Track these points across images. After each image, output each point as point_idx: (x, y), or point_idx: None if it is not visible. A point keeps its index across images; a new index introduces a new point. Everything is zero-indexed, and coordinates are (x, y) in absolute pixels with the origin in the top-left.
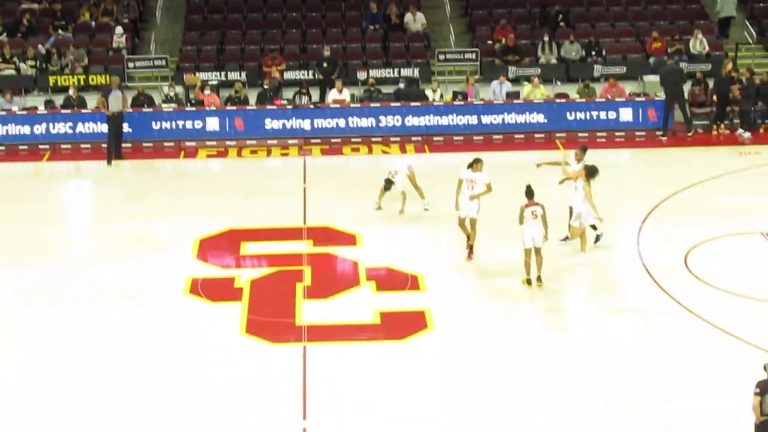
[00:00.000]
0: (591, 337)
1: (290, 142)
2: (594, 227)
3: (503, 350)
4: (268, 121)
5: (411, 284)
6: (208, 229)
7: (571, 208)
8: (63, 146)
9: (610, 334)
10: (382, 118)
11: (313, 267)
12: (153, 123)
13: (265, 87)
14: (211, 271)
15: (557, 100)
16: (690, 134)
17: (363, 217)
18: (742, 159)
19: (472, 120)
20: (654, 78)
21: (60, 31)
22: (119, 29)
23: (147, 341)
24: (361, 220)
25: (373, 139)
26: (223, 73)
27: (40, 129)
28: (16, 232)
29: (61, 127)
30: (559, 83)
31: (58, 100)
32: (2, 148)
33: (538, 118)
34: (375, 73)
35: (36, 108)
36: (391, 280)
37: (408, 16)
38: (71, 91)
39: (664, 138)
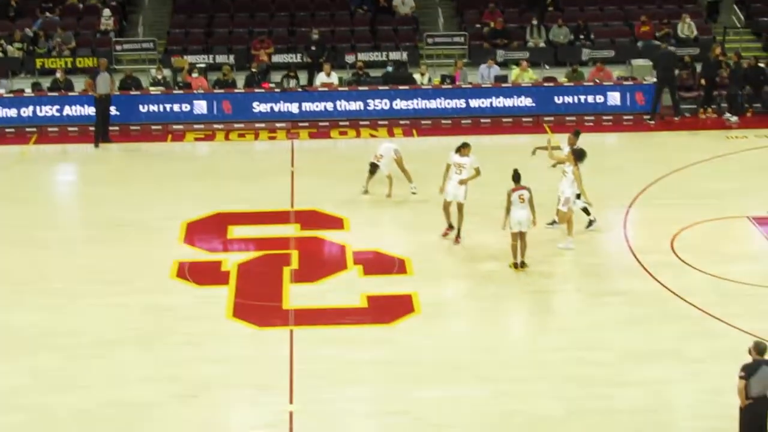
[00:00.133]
0: (577, 320)
1: (278, 125)
2: (587, 212)
3: (490, 334)
4: (255, 104)
5: (398, 268)
6: (195, 213)
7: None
8: (50, 129)
9: (596, 317)
10: (370, 101)
11: (301, 251)
12: (140, 106)
13: (253, 70)
14: (198, 255)
15: (545, 84)
16: (677, 119)
17: (350, 200)
18: (729, 143)
19: (460, 103)
20: (642, 62)
21: (47, 14)
22: (107, 12)
23: (133, 325)
24: (348, 204)
25: (361, 123)
26: (210, 56)
27: (27, 112)
28: (2, 215)
29: (48, 110)
30: (547, 67)
31: (45, 82)
32: None
33: (526, 101)
34: (363, 56)
35: (23, 91)
36: (378, 263)
37: (396, 0)
38: (58, 74)
39: (652, 122)
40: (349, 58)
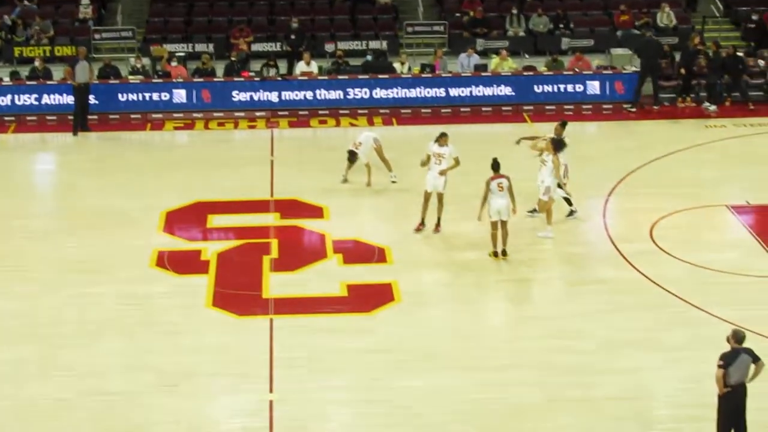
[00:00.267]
0: (557, 308)
1: (257, 114)
2: (569, 203)
3: (470, 322)
4: (235, 93)
5: (378, 257)
6: (174, 202)
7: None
8: (28, 118)
9: (576, 306)
10: (349, 90)
11: (280, 240)
12: (119, 95)
13: (233, 59)
14: (178, 244)
15: (525, 73)
16: (656, 108)
17: (330, 189)
18: (707, 132)
19: (440, 92)
20: (622, 51)
21: (25, 2)
22: (85, 0)
23: (113, 314)
24: (328, 193)
25: (341, 112)
26: (190, 45)
27: (5, 101)
28: None
29: (26, 99)
30: (527, 56)
31: (24, 71)
32: None
33: (506, 90)
34: (343, 45)
35: (1, 79)
36: (358, 252)
37: None
38: (37, 63)
39: (633, 110)
40: (329, 47)
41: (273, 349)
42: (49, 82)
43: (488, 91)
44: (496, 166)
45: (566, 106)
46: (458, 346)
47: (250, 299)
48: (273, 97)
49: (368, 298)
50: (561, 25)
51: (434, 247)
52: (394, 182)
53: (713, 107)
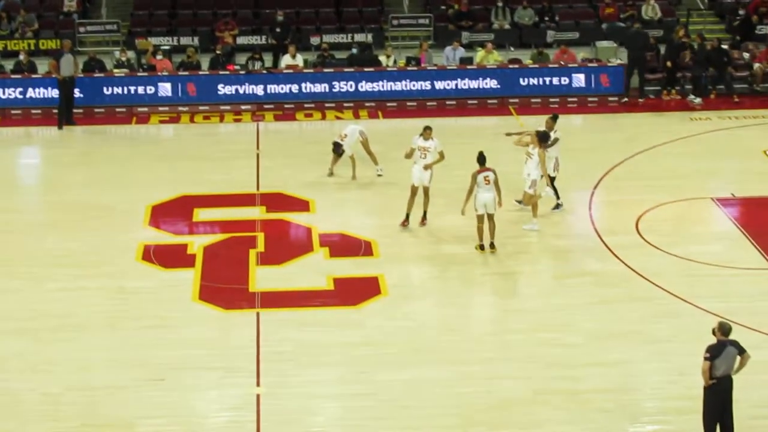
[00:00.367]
0: (543, 301)
1: (243, 107)
2: (557, 196)
3: (456, 315)
4: (220, 86)
5: (364, 250)
6: (160, 196)
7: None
8: (13, 112)
9: (561, 299)
10: (335, 83)
11: (266, 233)
12: (104, 88)
13: (218, 52)
14: (164, 238)
15: (510, 66)
16: (641, 100)
17: (316, 183)
18: (693, 124)
19: (426, 86)
20: (607, 44)
21: None
22: None
23: (99, 308)
24: (314, 186)
25: (327, 105)
26: (175, 38)
27: None
28: None
29: (11, 93)
30: (512, 49)
31: (8, 65)
32: None
33: (492, 83)
34: (328, 38)
35: None
36: (344, 246)
37: None
38: (21, 56)
39: (625, 100)
40: (314, 40)
41: (260, 343)
42: (33, 76)
43: (474, 84)
44: (482, 159)
45: (552, 99)
46: (445, 339)
47: (237, 293)
48: (258, 90)
49: (355, 291)
50: (546, 18)
51: (421, 240)
52: (380, 175)
53: (698, 100)
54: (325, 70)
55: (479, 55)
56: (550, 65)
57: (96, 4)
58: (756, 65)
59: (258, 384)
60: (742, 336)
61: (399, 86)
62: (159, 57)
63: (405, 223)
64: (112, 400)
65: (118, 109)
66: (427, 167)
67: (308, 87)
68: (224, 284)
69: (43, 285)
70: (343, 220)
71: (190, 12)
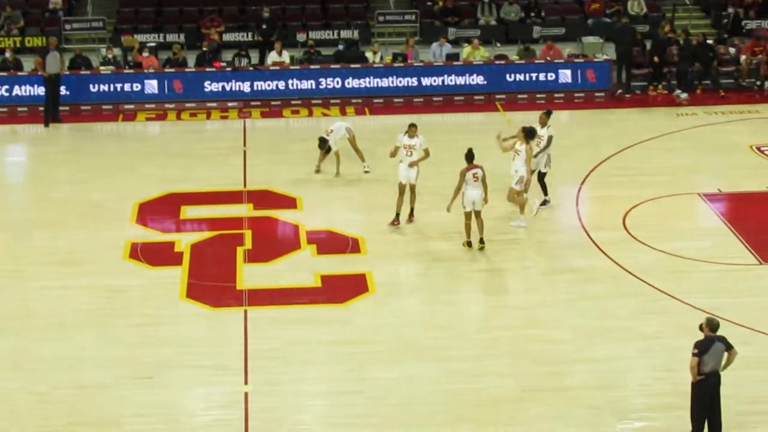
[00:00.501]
0: (530, 297)
1: (230, 104)
2: (545, 192)
3: (444, 312)
4: (207, 83)
5: (352, 247)
6: (147, 193)
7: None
8: None
9: (549, 295)
10: (322, 80)
11: (254, 230)
12: (91, 86)
13: (204, 49)
14: (151, 236)
15: (497, 62)
16: (628, 96)
17: (303, 180)
18: (679, 120)
19: (412, 82)
20: (593, 39)
21: None
22: None
23: (86, 306)
24: (301, 184)
25: (313, 102)
26: (161, 35)
27: None
28: None
29: None
30: (498, 44)
31: None
32: None
33: (478, 79)
34: (314, 34)
35: None
36: (331, 243)
37: None
38: (7, 54)
39: (627, 96)
40: (301, 37)
41: (247, 341)
42: (19, 74)
43: (460, 80)
44: (470, 156)
45: (538, 95)
46: (432, 336)
47: (225, 290)
48: (245, 87)
49: (342, 288)
50: (532, 14)
51: (408, 237)
52: (367, 172)
53: (684, 95)
54: (312, 66)
55: (465, 51)
56: (537, 61)
57: (82, 2)
58: (742, 57)
59: (246, 382)
60: (730, 332)
61: (385, 83)
62: (145, 54)
63: (395, 222)
64: (100, 398)
65: (104, 107)
66: (412, 165)
67: (295, 84)
68: (212, 282)
69: (29, 283)
70: (330, 217)
71: (176, 9)
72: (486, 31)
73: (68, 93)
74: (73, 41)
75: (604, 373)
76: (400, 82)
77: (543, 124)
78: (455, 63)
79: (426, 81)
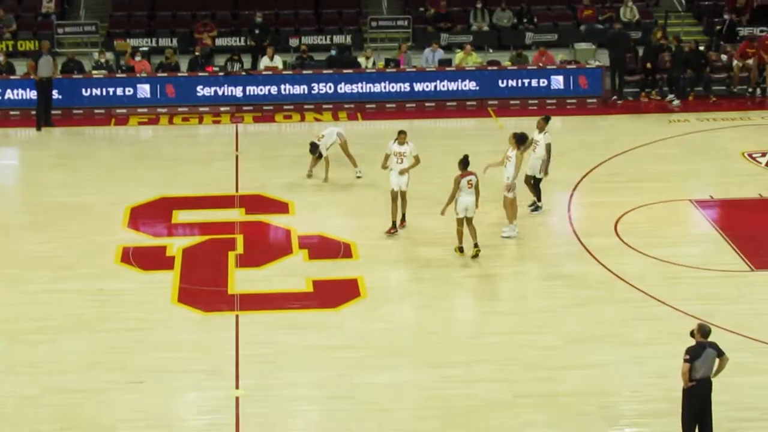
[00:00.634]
0: (522, 303)
1: (222, 109)
2: (538, 198)
3: (436, 318)
4: (199, 88)
5: (344, 252)
6: (139, 197)
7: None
8: None
9: (540, 301)
10: (314, 85)
11: (246, 235)
12: (83, 90)
13: (197, 54)
14: (143, 240)
15: (489, 68)
16: (620, 102)
17: (295, 185)
18: (671, 126)
19: (405, 87)
20: (585, 45)
21: None
22: None
23: (78, 310)
24: (293, 188)
25: (306, 107)
26: (153, 40)
27: None
28: None
29: None
30: (491, 50)
31: None
32: None
33: (471, 85)
34: (307, 40)
35: None
36: (323, 248)
37: None
38: (0, 57)
39: (619, 102)
40: (293, 42)
41: (239, 346)
42: (12, 77)
43: (453, 86)
44: (466, 163)
45: (530, 101)
46: (424, 341)
47: (216, 295)
48: (237, 92)
49: (334, 293)
50: (525, 20)
51: (400, 242)
52: (359, 177)
53: (676, 101)
54: (304, 71)
55: (458, 56)
56: (529, 67)
57: (74, 6)
58: (734, 62)
59: (237, 386)
60: (721, 338)
61: (378, 88)
62: (138, 58)
63: (392, 230)
64: (91, 402)
65: (96, 111)
66: (402, 172)
67: (287, 89)
68: (203, 286)
69: (21, 287)
70: (322, 222)
71: (169, 13)
72: (478, 37)
73: (61, 97)
74: (66, 45)
75: (595, 379)
76: (393, 87)
77: (540, 129)
78: (448, 69)
79: (418, 86)
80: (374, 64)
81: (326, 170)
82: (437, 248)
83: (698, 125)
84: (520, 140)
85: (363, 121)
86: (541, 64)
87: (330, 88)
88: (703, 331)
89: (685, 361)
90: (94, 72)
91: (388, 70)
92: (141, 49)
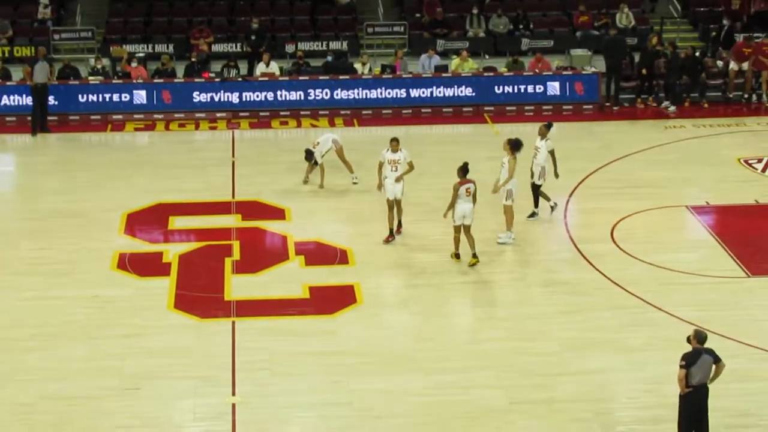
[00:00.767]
0: (518, 310)
1: (218, 115)
2: (536, 204)
3: (432, 324)
4: (196, 94)
5: (340, 258)
6: (135, 204)
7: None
8: None
9: (537, 307)
10: (310, 91)
11: (242, 241)
12: (79, 96)
13: (193, 60)
14: (139, 246)
15: (485, 74)
16: (616, 108)
17: (292, 191)
18: (667, 132)
19: (401, 93)
20: (581, 52)
21: None
22: (44, 0)
23: (74, 317)
24: (289, 195)
25: (302, 113)
26: (150, 46)
27: None
28: None
29: None
30: (487, 56)
31: None
32: None
33: (467, 91)
34: (303, 46)
35: None
36: (320, 254)
37: None
38: None
39: (615, 108)
40: (289, 48)
41: (235, 352)
42: (8, 83)
43: (449, 92)
44: (465, 170)
45: (527, 107)
46: (420, 347)
47: (212, 301)
48: (234, 98)
49: (330, 300)
50: (521, 26)
51: (396, 248)
52: (355, 183)
53: (672, 108)
54: (301, 77)
55: (454, 62)
56: (525, 73)
57: (71, 12)
58: (731, 64)
59: (233, 393)
60: (718, 344)
61: (374, 94)
62: (134, 64)
63: (389, 238)
64: (87, 409)
65: (92, 117)
66: (398, 180)
67: (283, 95)
68: (200, 293)
69: (16, 293)
70: (318, 228)
71: (165, 19)
72: (475, 43)
73: (57, 103)
74: (62, 51)
75: (592, 385)
76: (389, 93)
77: (542, 135)
78: (444, 75)
79: (414, 92)
80: (370, 70)
81: (322, 176)
82: (434, 255)
83: (694, 131)
84: (515, 146)
85: (359, 127)
86: (537, 71)
87: (326, 94)
88: (700, 337)
89: (681, 367)
90: (90, 78)
91: (384, 76)
92: (137, 55)
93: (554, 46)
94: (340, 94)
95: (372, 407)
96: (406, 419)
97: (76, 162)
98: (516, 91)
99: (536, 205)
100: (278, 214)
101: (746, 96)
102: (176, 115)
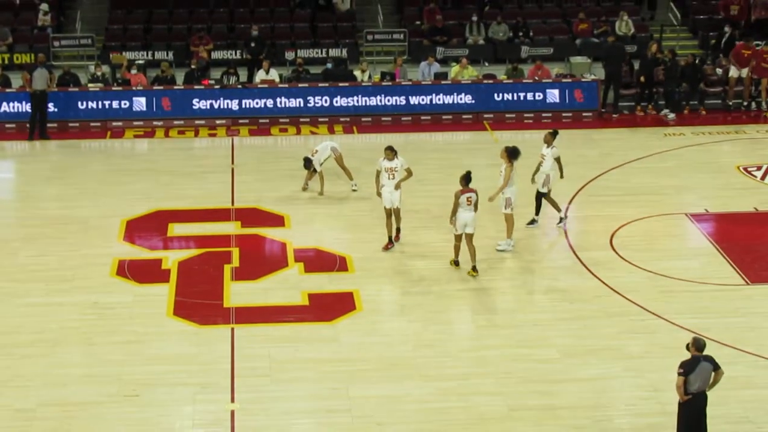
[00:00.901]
0: (518, 317)
1: (218, 122)
2: (536, 212)
3: (431, 331)
4: (195, 101)
5: (339, 265)
6: (135, 210)
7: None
8: None
9: (536, 314)
10: (310, 98)
11: (241, 248)
12: (79, 103)
13: (193, 67)
14: (139, 253)
15: (485, 81)
16: (615, 116)
17: (291, 198)
18: (666, 140)
19: (401, 101)
20: (581, 59)
21: None
22: (44, 6)
23: (73, 323)
24: (289, 202)
25: (302, 120)
26: (150, 53)
27: None
28: None
29: None
30: (486, 64)
31: None
32: None
33: (466, 99)
34: (303, 53)
35: None
36: (319, 261)
37: None
38: None
39: (615, 115)
40: (289, 55)
41: (234, 359)
42: (7, 90)
43: (448, 99)
44: (467, 179)
45: (526, 115)
46: (419, 354)
47: (212, 308)
48: (233, 105)
49: (330, 307)
50: (520, 34)
51: (395, 256)
52: (354, 191)
53: (672, 115)
54: (300, 85)
55: (454, 70)
56: (525, 81)
57: (70, 19)
58: (731, 69)
59: (232, 400)
60: (716, 352)
61: (374, 101)
62: (133, 71)
63: (389, 245)
64: (86, 416)
65: (92, 124)
66: (397, 186)
67: (283, 102)
68: (199, 300)
69: (15, 300)
70: (318, 235)
71: (165, 27)
72: (474, 51)
73: (56, 110)
74: (62, 58)
75: (591, 392)
76: (389, 100)
77: (548, 143)
78: (443, 82)
79: (414, 100)
80: (370, 77)
81: (321, 183)
82: (433, 262)
83: (693, 139)
84: (512, 154)
85: (359, 134)
86: (536, 78)
87: (326, 101)
88: (698, 344)
89: (680, 374)
90: (90, 85)
91: (383, 83)
92: (137, 62)
93: (554, 54)
94: (340, 101)
95: (371, 414)
96: (405, 426)
97: (75, 169)
98: (516, 98)
99: (537, 212)
100: (278, 221)
101: (746, 103)
102: (176, 122)
